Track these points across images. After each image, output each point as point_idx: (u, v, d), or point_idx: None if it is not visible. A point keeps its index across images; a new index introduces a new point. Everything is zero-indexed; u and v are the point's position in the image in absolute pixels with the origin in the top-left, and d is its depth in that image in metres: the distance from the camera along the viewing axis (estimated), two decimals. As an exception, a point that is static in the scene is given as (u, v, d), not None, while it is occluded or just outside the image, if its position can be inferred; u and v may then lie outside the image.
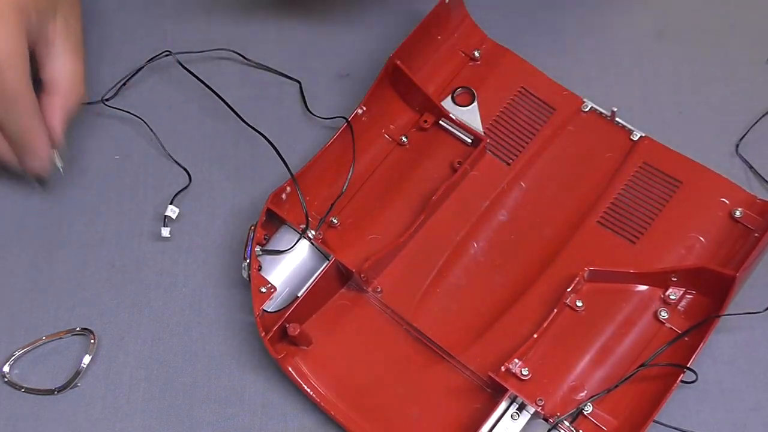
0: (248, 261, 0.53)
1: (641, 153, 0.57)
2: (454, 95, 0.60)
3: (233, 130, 0.62)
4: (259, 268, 0.53)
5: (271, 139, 0.56)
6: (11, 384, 0.55)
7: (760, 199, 0.53)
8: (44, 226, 0.60)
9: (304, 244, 0.54)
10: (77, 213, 0.61)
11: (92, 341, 0.55)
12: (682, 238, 0.53)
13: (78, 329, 0.56)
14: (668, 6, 0.65)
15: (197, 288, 0.57)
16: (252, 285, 0.52)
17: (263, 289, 0.52)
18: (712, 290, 0.50)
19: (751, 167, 0.58)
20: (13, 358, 0.55)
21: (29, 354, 0.56)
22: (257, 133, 0.57)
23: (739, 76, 0.62)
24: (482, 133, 0.58)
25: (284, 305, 0.53)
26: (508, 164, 0.58)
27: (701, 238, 0.53)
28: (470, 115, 0.60)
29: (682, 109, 0.61)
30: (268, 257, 0.54)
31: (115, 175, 0.62)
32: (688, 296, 0.52)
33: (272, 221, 0.55)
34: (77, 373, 0.54)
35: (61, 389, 0.54)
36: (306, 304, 0.52)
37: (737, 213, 0.53)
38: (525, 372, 0.50)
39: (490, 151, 0.59)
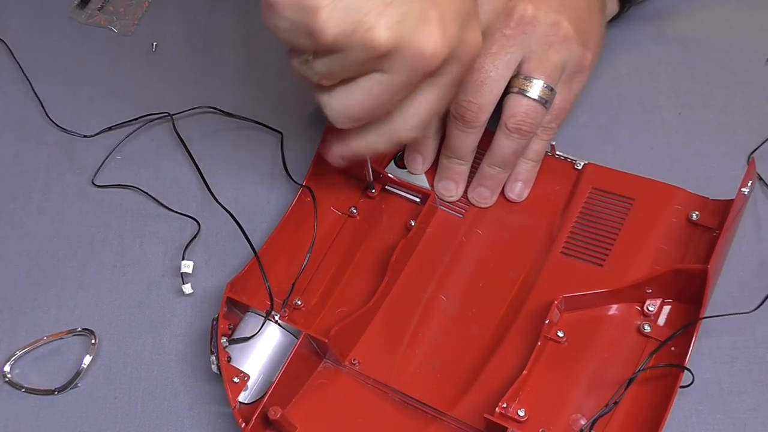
0: (216, 354, 0.50)
1: (588, 179, 0.57)
2: (396, 159, 0.60)
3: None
4: (229, 359, 0.51)
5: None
6: (11, 384, 0.54)
7: (712, 199, 0.54)
8: (45, 225, 0.61)
9: (272, 327, 0.52)
10: (78, 212, 0.61)
11: (93, 342, 0.55)
12: (646, 251, 0.53)
13: (79, 329, 0.56)
14: (666, 7, 0.67)
15: (198, 289, 0.58)
16: (224, 377, 0.49)
17: (236, 379, 0.49)
18: (688, 293, 0.50)
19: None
20: (13, 357, 0.55)
21: (30, 354, 0.56)
22: (226, 209, 0.58)
23: (739, 77, 0.63)
24: (429, 189, 0.58)
25: (261, 394, 0.50)
26: (461, 216, 0.58)
27: (665, 247, 0.53)
28: (416, 175, 0.60)
29: (682, 110, 0.62)
30: (237, 346, 0.51)
31: (115, 175, 0.63)
32: (666, 306, 0.51)
33: (236, 308, 0.53)
34: (77, 373, 0.54)
35: (61, 389, 0.54)
36: (283, 388, 0.50)
37: (694, 216, 0.53)
38: (521, 413, 0.48)
39: (441, 206, 0.59)
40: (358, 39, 0.43)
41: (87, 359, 0.55)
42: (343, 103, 0.47)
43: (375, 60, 0.44)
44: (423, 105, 0.49)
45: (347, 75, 0.46)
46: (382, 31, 0.43)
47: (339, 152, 0.52)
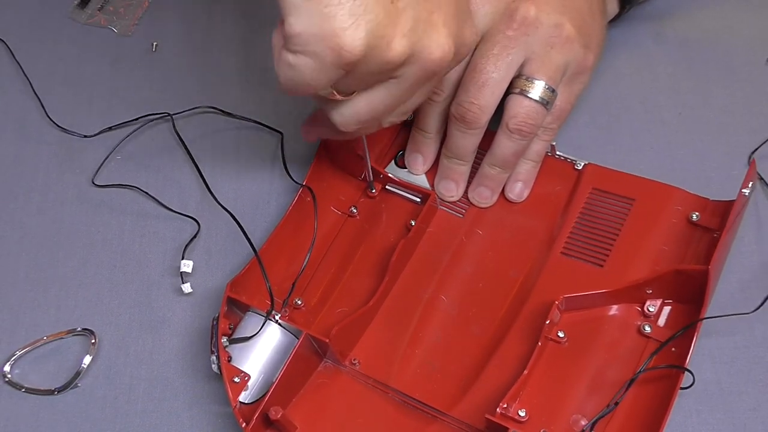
0: (216, 354, 0.50)
1: (588, 180, 0.57)
2: (397, 158, 0.60)
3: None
4: (229, 359, 0.51)
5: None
6: (11, 384, 0.54)
7: (712, 200, 0.54)
8: (45, 225, 0.61)
9: (273, 326, 0.52)
10: (78, 212, 0.62)
11: (93, 342, 0.55)
12: (647, 252, 0.53)
13: (79, 329, 0.56)
14: (667, 7, 0.67)
15: (198, 289, 0.58)
16: (225, 377, 0.49)
17: (237, 379, 0.49)
18: (689, 294, 0.50)
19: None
20: (13, 358, 0.55)
21: (30, 354, 0.56)
22: (226, 206, 0.58)
23: (739, 77, 0.63)
24: (430, 189, 0.58)
25: (261, 394, 0.50)
26: (462, 216, 0.58)
27: (665, 248, 0.53)
28: (416, 175, 0.60)
29: (682, 110, 0.62)
30: (237, 346, 0.51)
31: (115, 175, 0.63)
32: (666, 307, 0.51)
33: (236, 308, 0.53)
34: (77, 373, 0.54)
35: (61, 389, 0.54)
36: (283, 388, 0.50)
37: (694, 217, 0.53)
38: (522, 413, 0.48)
39: (441, 206, 0.59)
40: (379, 53, 0.42)
41: (87, 359, 0.55)
42: (354, 111, 0.47)
43: (390, 69, 0.44)
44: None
45: (361, 87, 0.46)
46: (398, 41, 0.42)
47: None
